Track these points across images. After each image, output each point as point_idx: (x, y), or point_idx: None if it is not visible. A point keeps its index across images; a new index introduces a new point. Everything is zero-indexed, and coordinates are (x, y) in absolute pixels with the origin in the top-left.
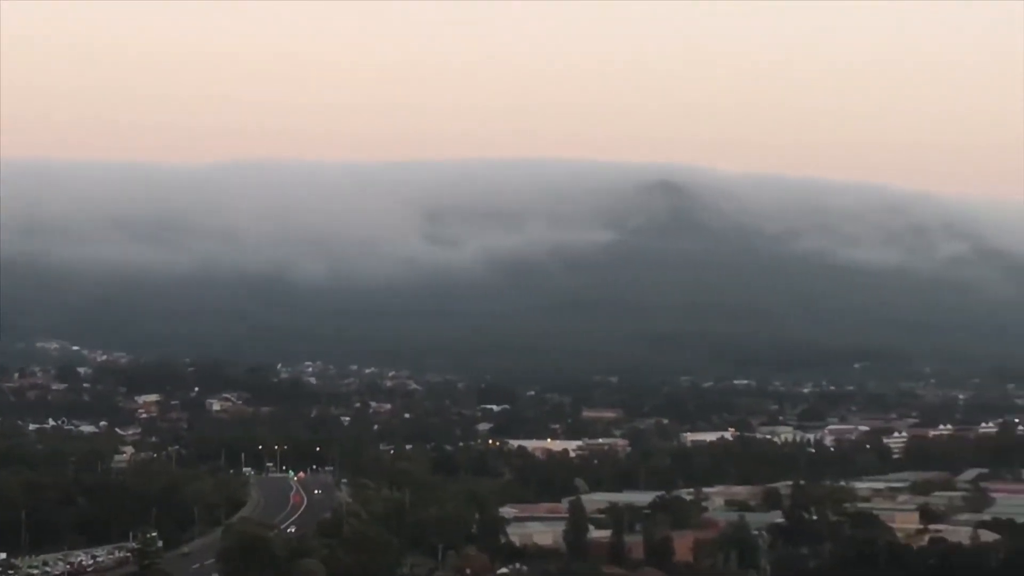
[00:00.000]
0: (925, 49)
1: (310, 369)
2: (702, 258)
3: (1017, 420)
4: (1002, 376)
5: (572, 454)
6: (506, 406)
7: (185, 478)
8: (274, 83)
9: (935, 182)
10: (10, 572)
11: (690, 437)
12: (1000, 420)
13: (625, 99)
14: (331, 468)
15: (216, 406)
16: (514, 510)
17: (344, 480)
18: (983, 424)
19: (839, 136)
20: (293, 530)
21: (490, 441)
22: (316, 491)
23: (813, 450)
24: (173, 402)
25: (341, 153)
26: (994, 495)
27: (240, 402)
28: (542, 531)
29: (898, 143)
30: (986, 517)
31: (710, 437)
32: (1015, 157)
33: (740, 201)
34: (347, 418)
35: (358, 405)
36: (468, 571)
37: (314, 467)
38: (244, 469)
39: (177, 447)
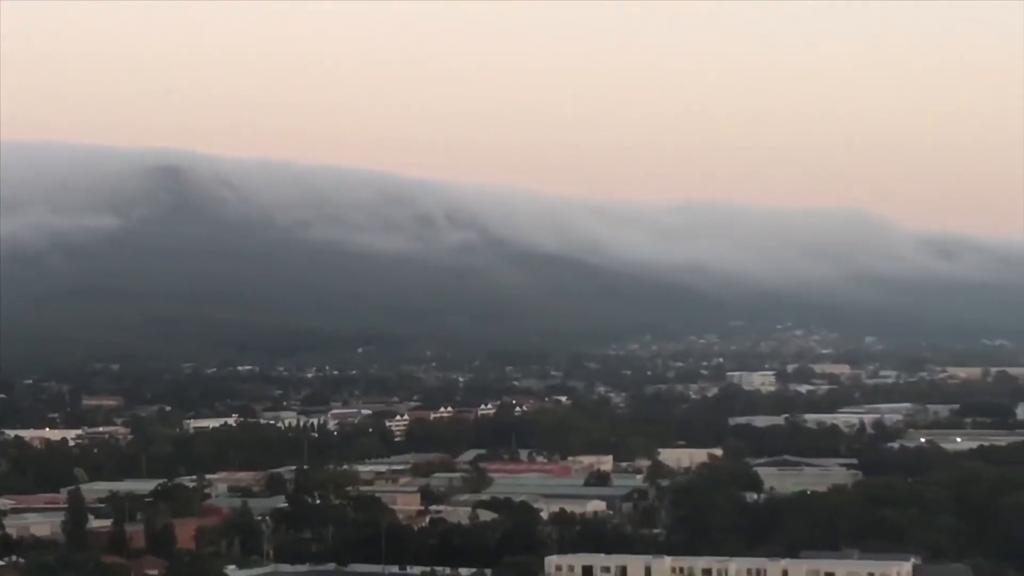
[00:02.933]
0: (410, 48)
1: None
2: (207, 245)
3: (514, 401)
4: (501, 359)
5: (71, 443)
6: (2, 396)
7: None
8: None
9: (436, 170)
10: None
11: (193, 424)
12: (498, 401)
13: (126, 83)
14: None
15: None
16: (11, 501)
17: None
18: (482, 406)
19: (345, 124)
20: None
21: None
22: None
23: (316, 434)
24: None
25: None
26: (492, 475)
27: None
28: (40, 522)
29: (399, 132)
30: (485, 497)
31: (213, 423)
32: (513, 149)
33: (247, 188)
34: None
35: None
36: None
37: None
38: None
39: None
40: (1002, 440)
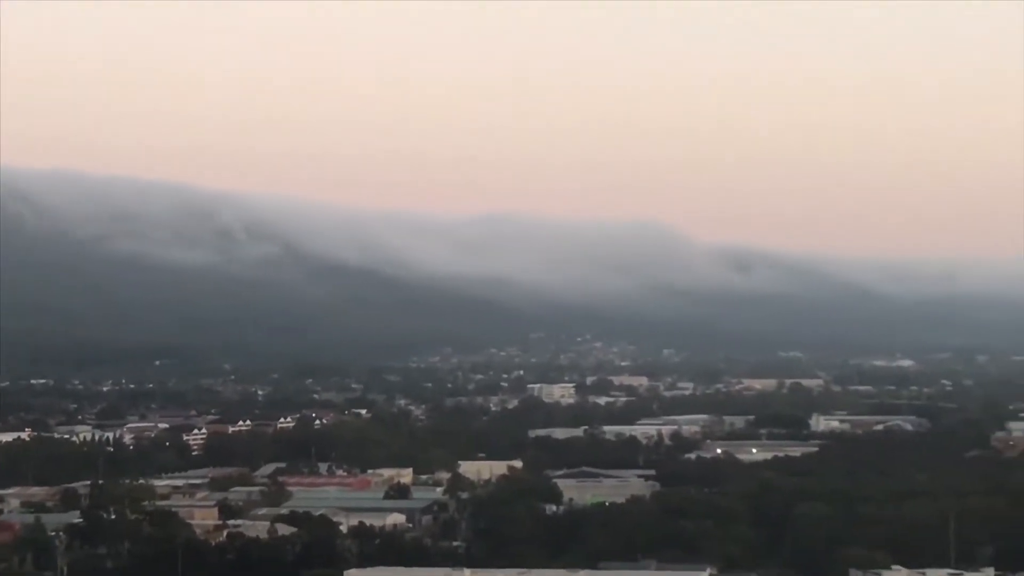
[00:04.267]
0: (203, 55)
1: None
2: None
3: (314, 414)
4: (302, 372)
5: None
6: None
7: None
8: None
9: (235, 182)
10: None
11: None
12: (298, 415)
13: None
14: None
15: None
16: None
17: None
18: (281, 419)
19: (138, 133)
20: None
21: None
22: None
23: (112, 448)
24: None
25: None
26: (291, 488)
27: None
28: None
29: (195, 142)
30: (283, 511)
31: (6, 438)
32: (313, 160)
33: (38, 199)
34: None
35: None
36: None
37: None
38: None
39: None
40: (796, 451)
